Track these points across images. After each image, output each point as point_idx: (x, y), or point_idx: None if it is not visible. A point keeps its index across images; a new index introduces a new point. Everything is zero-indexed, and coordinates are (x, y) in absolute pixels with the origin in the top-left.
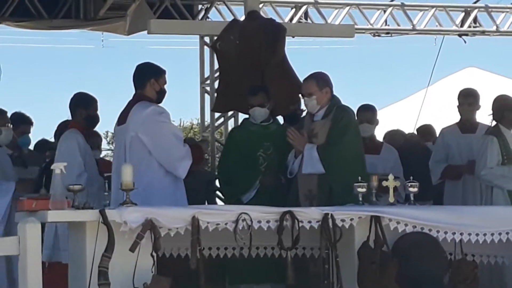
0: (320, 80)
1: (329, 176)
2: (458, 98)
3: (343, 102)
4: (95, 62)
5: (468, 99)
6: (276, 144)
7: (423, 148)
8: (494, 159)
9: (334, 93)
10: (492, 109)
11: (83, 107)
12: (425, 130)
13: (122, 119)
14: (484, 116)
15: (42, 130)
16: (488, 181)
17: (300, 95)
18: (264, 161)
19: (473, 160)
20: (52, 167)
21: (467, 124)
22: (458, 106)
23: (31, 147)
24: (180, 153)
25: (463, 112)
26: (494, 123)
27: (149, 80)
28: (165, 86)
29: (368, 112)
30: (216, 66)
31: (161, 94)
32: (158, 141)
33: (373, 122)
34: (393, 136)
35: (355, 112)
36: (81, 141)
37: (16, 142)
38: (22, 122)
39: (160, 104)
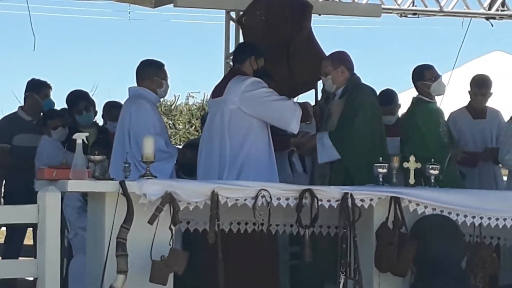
0: (335, 59)
1: (346, 160)
2: (471, 86)
3: (368, 82)
4: (122, 34)
5: (482, 90)
6: None
7: None
8: None
9: (357, 72)
10: None
11: None
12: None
13: (218, 92)
14: (509, 101)
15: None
16: None
17: None
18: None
19: (490, 147)
20: (74, 137)
21: (478, 109)
22: (470, 94)
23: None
24: (290, 107)
25: (476, 102)
26: None
27: (249, 57)
28: (260, 66)
29: (390, 106)
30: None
31: (256, 74)
32: (263, 105)
33: (395, 112)
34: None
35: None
36: None
37: (37, 109)
38: (44, 85)
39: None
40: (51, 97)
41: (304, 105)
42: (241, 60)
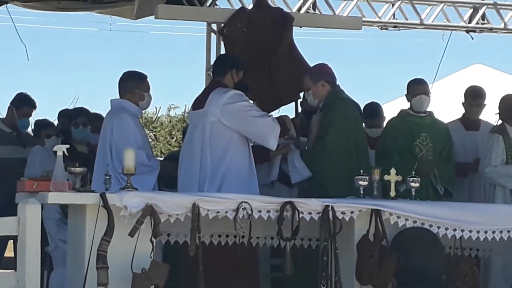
0: (314, 74)
1: (318, 177)
2: (466, 97)
3: (349, 95)
4: (102, 46)
5: (477, 101)
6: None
7: None
8: (499, 157)
9: (340, 84)
10: (499, 109)
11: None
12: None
13: (199, 104)
14: (489, 114)
15: (45, 111)
16: (492, 179)
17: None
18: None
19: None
20: (54, 149)
21: (471, 121)
22: (465, 105)
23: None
24: (267, 123)
25: (471, 113)
26: (499, 121)
27: (230, 69)
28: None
29: (375, 119)
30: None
31: (236, 86)
32: (243, 119)
33: (381, 125)
34: None
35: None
36: None
37: (13, 123)
38: (26, 104)
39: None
40: (32, 117)
41: (281, 119)
42: (222, 72)
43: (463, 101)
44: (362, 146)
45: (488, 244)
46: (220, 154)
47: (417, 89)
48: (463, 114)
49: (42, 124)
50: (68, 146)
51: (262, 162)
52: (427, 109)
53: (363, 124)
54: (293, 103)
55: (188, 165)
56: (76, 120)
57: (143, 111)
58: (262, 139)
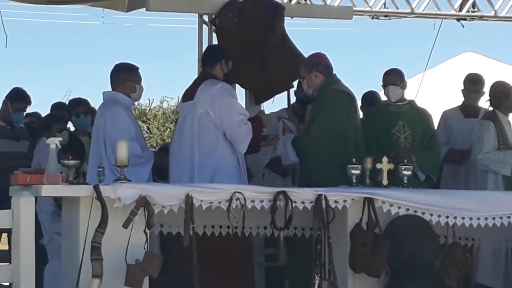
0: (308, 64)
1: (303, 165)
2: (465, 84)
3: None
4: (95, 39)
5: (475, 87)
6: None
7: None
8: (491, 143)
9: (336, 73)
10: (490, 95)
11: None
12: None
13: (189, 95)
14: (482, 101)
15: (39, 105)
16: (484, 165)
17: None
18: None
19: None
20: (47, 142)
21: (470, 108)
22: (464, 92)
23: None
24: (243, 130)
25: (470, 99)
26: (491, 108)
27: (220, 60)
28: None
29: (373, 108)
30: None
31: (226, 76)
32: (225, 117)
33: None
34: None
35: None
36: None
37: (8, 118)
38: (21, 99)
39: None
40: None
41: (258, 118)
42: (212, 63)
43: (462, 88)
44: (351, 136)
45: (481, 232)
46: (210, 147)
47: (386, 79)
48: (463, 102)
49: (53, 119)
50: (60, 139)
51: (253, 153)
52: (407, 98)
53: (358, 113)
54: (285, 92)
55: (178, 157)
56: (77, 109)
57: (135, 103)
58: (235, 143)
